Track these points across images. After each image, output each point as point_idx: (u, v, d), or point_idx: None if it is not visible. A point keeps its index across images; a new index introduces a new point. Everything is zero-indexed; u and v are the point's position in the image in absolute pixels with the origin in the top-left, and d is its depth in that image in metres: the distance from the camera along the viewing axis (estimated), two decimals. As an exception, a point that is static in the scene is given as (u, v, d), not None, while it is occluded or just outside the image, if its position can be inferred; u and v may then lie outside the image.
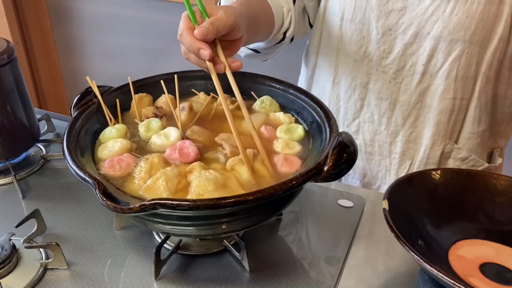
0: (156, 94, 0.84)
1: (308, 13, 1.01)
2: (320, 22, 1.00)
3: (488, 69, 0.87)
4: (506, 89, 0.92)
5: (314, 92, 1.09)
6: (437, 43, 0.86)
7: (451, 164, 0.97)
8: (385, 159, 1.02)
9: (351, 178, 1.08)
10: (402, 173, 1.01)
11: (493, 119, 0.96)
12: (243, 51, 1.03)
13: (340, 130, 1.02)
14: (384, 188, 1.04)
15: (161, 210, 0.57)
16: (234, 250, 0.73)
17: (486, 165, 0.98)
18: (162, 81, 0.80)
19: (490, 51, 0.85)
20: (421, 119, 0.95)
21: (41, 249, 0.74)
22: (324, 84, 1.05)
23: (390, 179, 1.03)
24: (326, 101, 1.05)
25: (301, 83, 1.12)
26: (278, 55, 1.05)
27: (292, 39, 1.02)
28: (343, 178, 1.08)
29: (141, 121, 0.78)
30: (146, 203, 0.56)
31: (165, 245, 0.73)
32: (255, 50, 1.01)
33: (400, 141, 0.98)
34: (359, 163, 1.05)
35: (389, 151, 1.00)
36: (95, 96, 0.78)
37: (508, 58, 0.87)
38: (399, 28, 0.88)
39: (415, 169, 0.99)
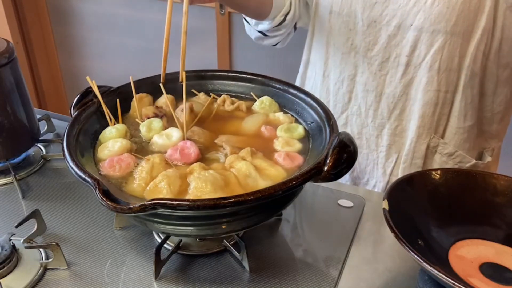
0: (156, 94, 0.84)
1: (309, 3, 1.04)
2: (312, 18, 1.02)
3: (472, 63, 0.88)
4: (495, 87, 0.92)
5: (307, 87, 1.11)
6: (419, 34, 0.88)
7: (438, 159, 0.98)
8: (372, 153, 1.03)
9: None
10: (389, 167, 1.02)
11: (481, 116, 0.96)
12: (252, 33, 1.08)
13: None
14: (372, 183, 1.05)
15: (161, 210, 0.57)
16: (234, 250, 0.73)
17: (474, 161, 0.98)
18: (161, 84, 0.80)
19: (473, 44, 0.86)
20: (407, 112, 0.96)
21: (41, 249, 0.74)
22: (315, 78, 1.07)
23: (378, 173, 1.04)
24: (317, 95, 1.07)
25: (297, 80, 1.15)
26: (283, 51, 1.07)
27: (295, 27, 1.05)
28: None
29: (142, 121, 0.78)
30: (146, 203, 0.56)
31: (165, 245, 0.73)
32: (262, 33, 1.06)
33: (386, 134, 1.00)
34: None
35: (376, 144, 1.02)
36: (95, 96, 0.78)
37: (494, 53, 0.88)
38: (383, 19, 0.90)
39: (401, 163, 1.00)
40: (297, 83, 1.14)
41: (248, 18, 1.05)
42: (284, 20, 1.00)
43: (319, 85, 1.06)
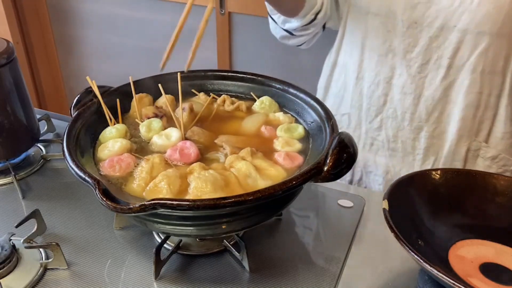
0: (156, 94, 0.84)
1: (340, 4, 1.02)
2: (344, 19, 1.00)
3: None
4: None
5: (333, 90, 1.08)
6: (463, 36, 0.85)
7: (480, 163, 0.96)
8: (408, 156, 1.00)
9: (373, 175, 1.07)
10: None
11: None
12: (278, 32, 1.05)
13: (363, 126, 1.03)
14: None
15: (161, 210, 0.57)
16: (234, 250, 0.73)
17: None
18: (159, 84, 0.80)
19: None
20: (446, 114, 0.93)
21: (41, 249, 0.74)
22: (346, 81, 1.04)
23: None
24: (348, 98, 1.04)
25: (320, 83, 1.12)
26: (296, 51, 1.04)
27: (324, 27, 1.04)
28: (364, 175, 1.07)
29: (142, 121, 0.78)
30: (146, 203, 0.56)
31: (165, 245, 0.73)
32: (289, 32, 1.03)
33: (423, 136, 0.97)
34: (382, 159, 1.04)
35: (412, 147, 0.99)
36: (95, 96, 0.78)
37: None
38: (425, 20, 0.87)
39: (440, 165, 0.97)
40: (321, 85, 1.11)
41: (275, 17, 1.02)
42: (314, 18, 0.98)
43: (351, 88, 1.03)
